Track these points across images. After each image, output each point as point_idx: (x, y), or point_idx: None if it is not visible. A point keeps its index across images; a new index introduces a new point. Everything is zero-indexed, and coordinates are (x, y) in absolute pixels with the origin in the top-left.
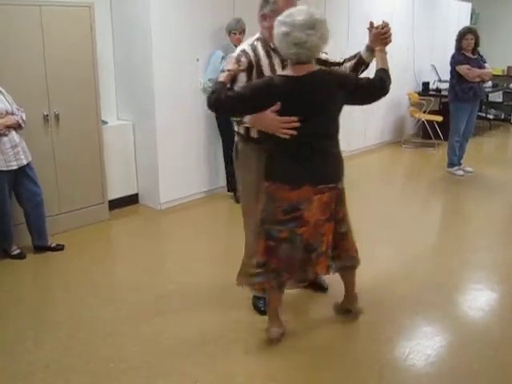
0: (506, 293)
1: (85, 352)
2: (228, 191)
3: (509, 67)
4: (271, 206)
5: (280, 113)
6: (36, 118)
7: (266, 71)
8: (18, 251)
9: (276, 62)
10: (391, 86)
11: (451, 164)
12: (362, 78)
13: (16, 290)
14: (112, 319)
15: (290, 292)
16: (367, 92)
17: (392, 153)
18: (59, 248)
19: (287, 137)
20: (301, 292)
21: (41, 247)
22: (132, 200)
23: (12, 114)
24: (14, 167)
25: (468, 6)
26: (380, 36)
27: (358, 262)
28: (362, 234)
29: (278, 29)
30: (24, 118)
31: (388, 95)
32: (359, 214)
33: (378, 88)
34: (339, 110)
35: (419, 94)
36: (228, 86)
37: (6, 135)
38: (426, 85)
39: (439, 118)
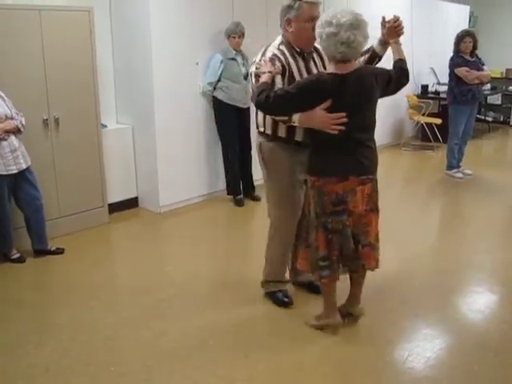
0: (506, 295)
1: (85, 355)
2: (228, 194)
3: (507, 69)
4: (321, 199)
5: (328, 110)
6: (35, 122)
7: (296, 74)
8: (18, 255)
9: (301, 65)
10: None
11: (450, 166)
12: (391, 72)
13: (16, 293)
14: (112, 322)
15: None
16: (395, 84)
17: (391, 155)
18: (59, 251)
19: (336, 132)
20: (298, 294)
21: (41, 251)
22: (132, 203)
23: (11, 118)
24: (14, 171)
25: (466, 9)
26: (394, 29)
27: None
28: None
29: (324, 29)
30: (23, 122)
31: (387, 98)
32: None
33: (402, 80)
34: (376, 103)
35: (418, 96)
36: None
37: (6, 140)
38: (424, 87)
39: (438, 121)
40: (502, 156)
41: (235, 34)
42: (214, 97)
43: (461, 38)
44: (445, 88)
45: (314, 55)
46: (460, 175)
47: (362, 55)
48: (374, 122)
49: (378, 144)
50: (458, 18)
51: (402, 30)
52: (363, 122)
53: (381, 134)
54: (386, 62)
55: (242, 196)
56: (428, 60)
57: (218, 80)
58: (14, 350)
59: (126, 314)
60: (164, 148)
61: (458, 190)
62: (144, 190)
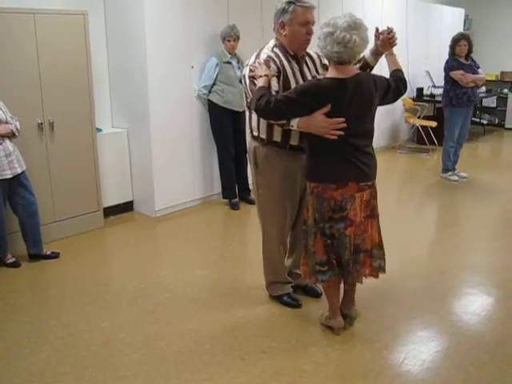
0: (501, 297)
1: (81, 359)
2: (223, 198)
3: (502, 72)
4: (320, 205)
5: (327, 115)
6: (30, 127)
7: (291, 77)
8: (13, 260)
9: (296, 68)
10: None
11: (446, 169)
12: (390, 82)
13: (11, 298)
14: (108, 327)
15: None
16: (394, 93)
17: (387, 158)
18: (54, 256)
19: (335, 138)
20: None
21: (36, 255)
22: (127, 207)
23: (6, 122)
24: (8, 176)
25: (461, 12)
26: (387, 41)
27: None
28: None
29: (322, 30)
30: (18, 126)
31: None
32: None
33: (401, 89)
34: (375, 110)
35: (413, 99)
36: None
37: (0, 144)
38: (420, 90)
39: (433, 124)
40: (497, 158)
41: (230, 37)
42: (209, 100)
43: (456, 41)
44: (440, 91)
45: (307, 59)
46: (455, 178)
47: (354, 65)
48: (373, 129)
49: (374, 147)
50: (453, 21)
51: (395, 42)
52: (362, 128)
53: (376, 136)
54: (380, 72)
55: (237, 199)
56: (423, 63)
57: (213, 83)
58: (10, 354)
59: (122, 318)
60: (159, 152)
61: (454, 193)
62: (139, 194)
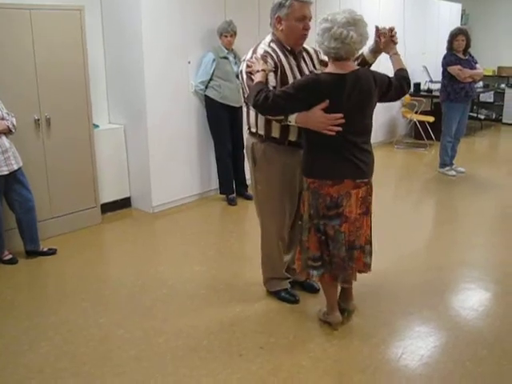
0: (499, 292)
1: (79, 355)
2: (220, 194)
3: (499, 67)
4: (316, 201)
5: (325, 110)
6: (27, 123)
7: (288, 72)
8: (10, 256)
9: (293, 63)
10: None
11: (443, 164)
12: (392, 79)
13: (9, 294)
14: (106, 323)
15: None
16: (397, 91)
17: (384, 153)
18: (51, 252)
19: (333, 134)
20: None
21: (33, 252)
22: (124, 204)
23: (2, 119)
24: (5, 173)
25: (458, 7)
26: (390, 39)
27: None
28: None
29: (320, 25)
30: (14, 122)
31: None
32: None
33: (404, 88)
34: (375, 106)
35: (411, 94)
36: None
37: None
38: (417, 86)
39: (431, 119)
40: (494, 153)
41: (227, 32)
42: (206, 96)
43: (454, 36)
44: (437, 86)
45: (304, 54)
46: (453, 173)
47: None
48: (371, 126)
49: (371, 142)
50: (450, 16)
51: (397, 40)
52: (360, 124)
53: (374, 132)
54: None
55: (234, 195)
56: (420, 58)
57: (210, 79)
58: (8, 351)
59: (120, 315)
60: (156, 148)
61: (451, 188)
62: (136, 190)
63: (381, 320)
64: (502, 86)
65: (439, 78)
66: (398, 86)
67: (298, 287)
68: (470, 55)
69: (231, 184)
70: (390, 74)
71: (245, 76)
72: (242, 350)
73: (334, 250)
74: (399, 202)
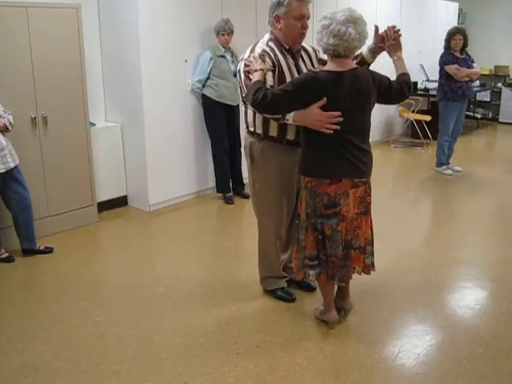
0: (495, 291)
1: (75, 354)
2: (217, 192)
3: (496, 67)
4: (313, 200)
5: (323, 108)
6: (24, 121)
7: (286, 71)
8: (7, 255)
9: (291, 62)
10: None
11: (440, 163)
12: (393, 82)
13: (5, 293)
14: (102, 321)
15: None
16: (395, 94)
17: (381, 152)
18: (48, 251)
19: (331, 132)
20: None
21: (29, 250)
22: (121, 202)
23: None
24: (2, 171)
25: (455, 6)
26: (396, 43)
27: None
28: None
29: (319, 23)
30: (11, 120)
31: None
32: None
33: (404, 91)
34: (373, 106)
35: None
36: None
37: None
38: (414, 85)
39: (428, 118)
40: (491, 152)
41: (224, 31)
42: (203, 94)
43: (451, 35)
44: (434, 85)
45: (303, 53)
46: (450, 172)
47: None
48: (369, 125)
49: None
50: (447, 15)
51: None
52: (359, 123)
53: (370, 131)
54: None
55: (231, 194)
56: (417, 57)
57: (207, 77)
58: (3, 350)
59: (116, 313)
60: (153, 146)
61: (448, 187)
62: (133, 189)
63: (377, 318)
64: (499, 85)
65: (436, 76)
66: (398, 89)
67: (294, 286)
68: (467, 54)
69: (228, 183)
70: (388, 74)
71: (243, 75)
72: (239, 348)
73: (330, 250)
74: (396, 201)
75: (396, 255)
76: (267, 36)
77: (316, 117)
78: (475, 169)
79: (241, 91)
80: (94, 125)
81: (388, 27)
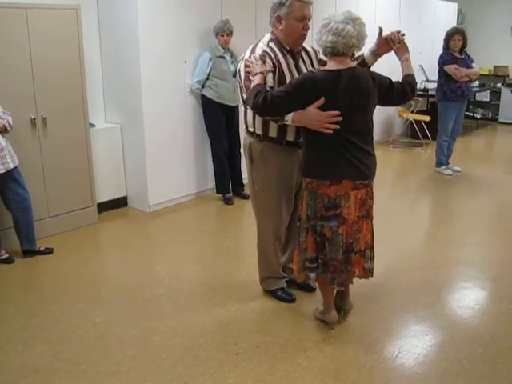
0: (495, 291)
1: (75, 354)
2: (217, 193)
3: (495, 67)
4: (314, 202)
5: (322, 108)
6: (23, 122)
7: (286, 72)
8: (7, 256)
9: (291, 63)
10: None
11: (439, 163)
12: (395, 82)
13: (5, 294)
14: (102, 322)
15: None
16: (397, 95)
17: (380, 153)
18: (48, 252)
19: (330, 132)
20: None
21: (29, 251)
22: (121, 203)
23: None
24: (1, 171)
25: (454, 6)
26: (403, 45)
27: None
28: None
29: (319, 24)
30: (10, 121)
31: None
32: None
33: (408, 92)
34: (374, 107)
35: None
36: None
37: None
38: None
39: (427, 118)
40: (490, 152)
41: (223, 31)
42: (202, 95)
43: (450, 35)
44: (433, 85)
45: (303, 54)
46: (449, 172)
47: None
48: (372, 127)
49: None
50: (446, 15)
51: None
52: (360, 123)
53: None
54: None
55: (231, 194)
56: (417, 57)
57: (207, 78)
58: (3, 350)
59: (116, 314)
60: (153, 147)
61: (447, 187)
62: (133, 190)
63: (377, 319)
64: (498, 85)
65: (435, 77)
66: (400, 89)
67: (294, 286)
68: (467, 54)
69: (228, 183)
70: (387, 74)
71: (243, 75)
72: (239, 348)
73: (330, 253)
74: (396, 201)
75: (396, 255)
76: (268, 36)
77: (314, 117)
78: (475, 169)
79: (240, 91)
80: (93, 126)
81: (392, 32)
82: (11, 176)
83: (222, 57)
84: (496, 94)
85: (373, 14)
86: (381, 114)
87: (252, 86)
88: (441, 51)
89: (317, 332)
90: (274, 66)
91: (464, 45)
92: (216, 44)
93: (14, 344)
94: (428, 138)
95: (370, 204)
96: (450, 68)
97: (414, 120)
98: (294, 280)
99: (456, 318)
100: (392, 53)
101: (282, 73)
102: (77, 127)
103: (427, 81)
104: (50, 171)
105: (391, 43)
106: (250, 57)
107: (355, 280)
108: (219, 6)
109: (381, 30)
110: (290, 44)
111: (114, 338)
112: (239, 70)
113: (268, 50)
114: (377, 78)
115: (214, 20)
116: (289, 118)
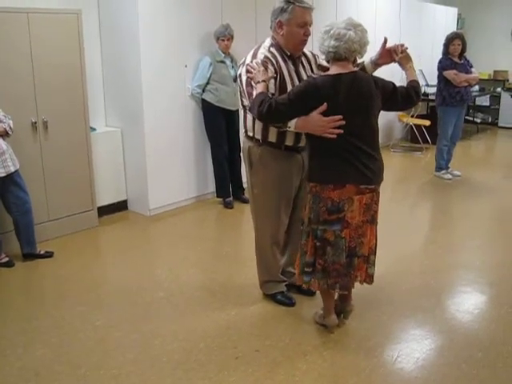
0: (494, 295)
1: (75, 358)
2: (217, 197)
3: (495, 71)
4: (317, 206)
5: (325, 113)
6: (24, 125)
7: (287, 79)
8: (7, 259)
9: (291, 69)
10: None
11: (439, 168)
12: (399, 87)
13: (5, 297)
14: (102, 325)
15: None
16: (402, 99)
17: None
18: (48, 255)
19: (334, 136)
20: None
21: (30, 255)
22: (121, 206)
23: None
24: (2, 175)
25: (454, 11)
26: (406, 56)
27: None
28: None
29: (321, 31)
30: (11, 125)
31: None
32: None
33: (413, 96)
34: (379, 112)
35: None
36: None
37: None
38: None
39: (427, 123)
40: (490, 157)
41: (224, 36)
42: (202, 99)
43: (450, 40)
44: (433, 90)
45: (303, 59)
46: (449, 176)
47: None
48: (377, 131)
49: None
50: (446, 20)
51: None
52: (363, 127)
53: None
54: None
55: (231, 198)
56: (416, 62)
57: (207, 82)
58: (4, 354)
59: (116, 317)
60: (153, 151)
61: (447, 192)
62: (133, 193)
63: (376, 323)
64: (498, 89)
65: (435, 81)
66: (404, 93)
67: (294, 290)
68: (466, 59)
69: (228, 187)
70: (386, 77)
71: (244, 80)
72: (238, 352)
73: (333, 257)
74: (396, 205)
75: (395, 259)
76: (268, 41)
77: (317, 122)
78: (474, 173)
79: (241, 95)
80: (94, 129)
81: (396, 45)
82: (12, 179)
83: (223, 62)
84: (496, 99)
85: (373, 18)
86: (381, 119)
87: (255, 94)
88: (440, 56)
89: (316, 336)
90: (276, 72)
91: (463, 50)
92: (216, 49)
93: (15, 347)
94: (428, 142)
95: (375, 209)
96: (450, 73)
97: (414, 124)
98: (294, 284)
99: (455, 323)
100: None
101: (283, 79)
102: (77, 131)
103: (427, 85)
104: (50, 175)
105: (394, 54)
106: (251, 62)
107: (355, 284)
108: (220, 11)
109: (385, 41)
110: (291, 49)
111: (114, 342)
112: (240, 75)
113: (269, 55)
114: (379, 82)
115: (214, 24)
116: (292, 125)
